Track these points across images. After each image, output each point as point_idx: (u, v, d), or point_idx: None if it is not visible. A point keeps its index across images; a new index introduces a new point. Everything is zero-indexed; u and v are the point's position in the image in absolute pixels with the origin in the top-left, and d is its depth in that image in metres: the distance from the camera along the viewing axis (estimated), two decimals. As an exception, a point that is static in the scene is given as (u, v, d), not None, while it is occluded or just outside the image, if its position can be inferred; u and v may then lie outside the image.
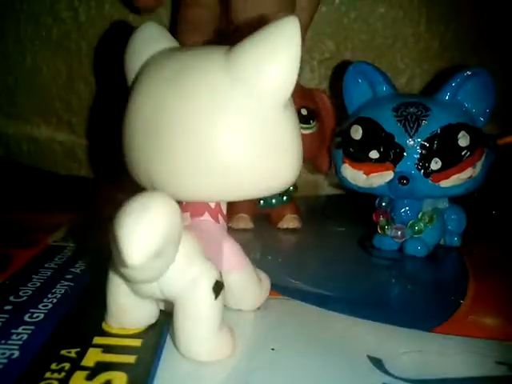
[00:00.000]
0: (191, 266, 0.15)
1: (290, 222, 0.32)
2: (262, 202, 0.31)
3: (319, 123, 0.32)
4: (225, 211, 0.19)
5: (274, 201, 0.31)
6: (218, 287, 0.16)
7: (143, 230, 0.13)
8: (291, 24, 0.15)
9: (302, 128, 0.30)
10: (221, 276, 0.16)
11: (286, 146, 0.16)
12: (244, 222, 0.31)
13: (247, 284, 0.19)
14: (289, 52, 0.15)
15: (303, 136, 0.30)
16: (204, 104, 0.16)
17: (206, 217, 0.18)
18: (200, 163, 0.16)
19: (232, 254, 0.18)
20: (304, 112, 0.30)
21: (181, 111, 0.16)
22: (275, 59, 0.15)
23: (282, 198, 0.31)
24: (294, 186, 0.32)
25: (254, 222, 0.31)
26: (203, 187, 0.16)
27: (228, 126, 0.15)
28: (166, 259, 0.15)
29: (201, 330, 0.15)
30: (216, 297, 0.15)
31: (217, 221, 0.18)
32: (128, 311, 0.17)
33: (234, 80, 0.16)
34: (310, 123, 0.31)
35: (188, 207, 0.18)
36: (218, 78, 0.16)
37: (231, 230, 0.30)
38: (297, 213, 0.32)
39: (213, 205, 0.18)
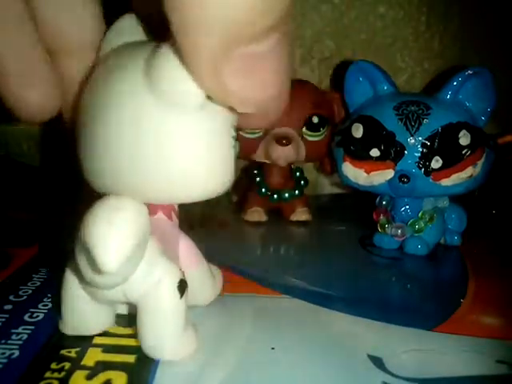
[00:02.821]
0: (155, 267, 0.15)
1: (301, 214, 0.33)
2: (275, 196, 0.32)
3: (330, 127, 0.32)
4: (177, 208, 0.18)
5: (286, 195, 0.32)
6: (182, 286, 0.16)
7: (117, 235, 0.13)
8: None
9: (309, 136, 0.31)
10: (184, 275, 0.16)
11: (204, 150, 0.15)
12: (258, 215, 0.32)
13: (203, 280, 0.19)
14: None
15: (309, 143, 0.31)
16: (126, 115, 0.15)
17: (160, 215, 0.18)
18: (134, 169, 0.15)
19: (188, 252, 0.18)
20: (315, 120, 0.31)
21: (109, 118, 0.15)
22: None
23: (295, 192, 0.32)
24: (305, 180, 0.33)
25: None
26: (144, 190, 0.15)
27: (152, 134, 0.14)
28: (135, 262, 0.14)
29: (167, 329, 0.15)
30: (181, 296, 0.15)
31: (170, 218, 0.18)
32: (86, 317, 0.17)
33: (149, 87, 0.14)
34: (319, 130, 0.31)
35: None
36: (138, 88, 0.14)
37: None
38: (307, 206, 0.33)
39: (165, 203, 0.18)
